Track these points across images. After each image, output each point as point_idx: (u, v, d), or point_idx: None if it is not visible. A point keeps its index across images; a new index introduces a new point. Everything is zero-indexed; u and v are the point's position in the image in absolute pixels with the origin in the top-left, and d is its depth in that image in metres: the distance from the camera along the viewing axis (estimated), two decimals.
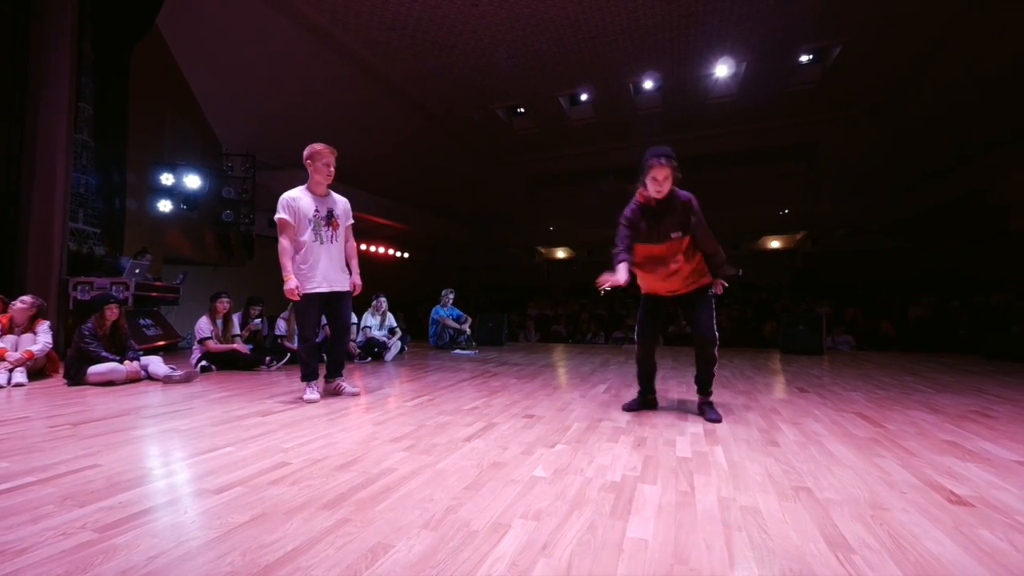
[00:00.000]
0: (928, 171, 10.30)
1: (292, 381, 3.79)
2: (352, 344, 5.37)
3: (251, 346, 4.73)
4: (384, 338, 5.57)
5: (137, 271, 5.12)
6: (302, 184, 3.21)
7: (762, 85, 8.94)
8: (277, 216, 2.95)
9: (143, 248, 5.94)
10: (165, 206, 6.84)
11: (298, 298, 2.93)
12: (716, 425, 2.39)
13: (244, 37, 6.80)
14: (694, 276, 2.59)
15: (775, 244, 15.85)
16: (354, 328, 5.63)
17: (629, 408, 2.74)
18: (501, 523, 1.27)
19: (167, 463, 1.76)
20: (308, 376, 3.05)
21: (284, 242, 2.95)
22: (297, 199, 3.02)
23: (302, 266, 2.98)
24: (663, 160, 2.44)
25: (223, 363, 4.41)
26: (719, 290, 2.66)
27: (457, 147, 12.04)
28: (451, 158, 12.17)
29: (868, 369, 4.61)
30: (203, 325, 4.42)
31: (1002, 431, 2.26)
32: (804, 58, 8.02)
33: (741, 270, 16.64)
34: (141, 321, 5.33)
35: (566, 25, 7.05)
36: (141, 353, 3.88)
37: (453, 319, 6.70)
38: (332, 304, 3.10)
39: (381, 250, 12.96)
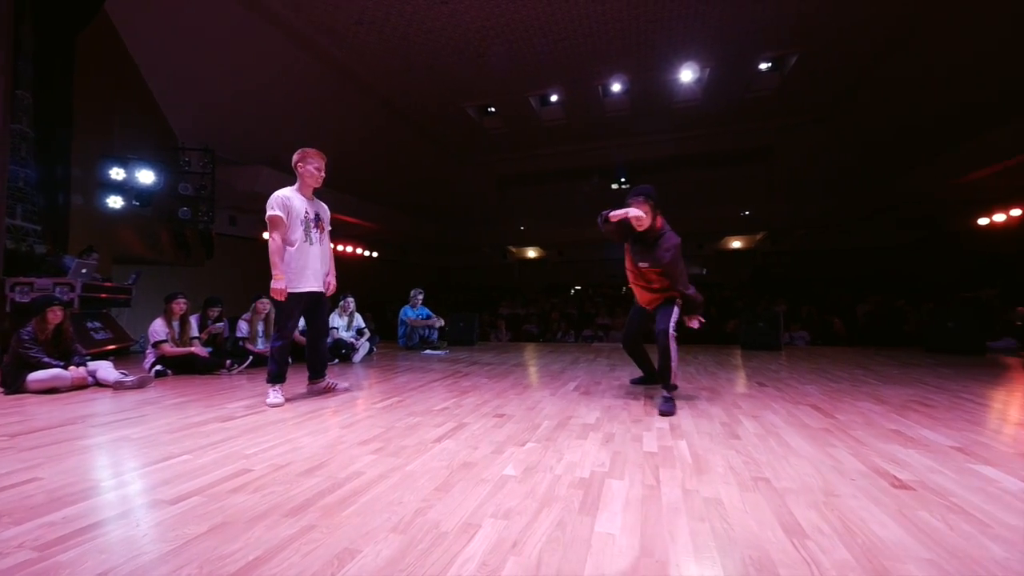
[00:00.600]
0: (875, 176, 10.93)
1: (255, 385, 3.66)
2: None
3: (210, 349, 4.54)
4: (352, 339, 5.45)
5: (84, 271, 4.82)
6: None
7: (724, 91, 9.25)
8: (271, 213, 2.95)
9: (89, 246, 5.59)
10: (115, 202, 6.47)
11: (284, 298, 2.96)
12: (682, 419, 2.46)
13: (202, 26, 6.50)
14: (663, 295, 3.00)
15: (737, 244, 16.45)
16: None
17: (637, 381, 3.48)
18: (471, 523, 1.27)
19: (117, 474, 1.67)
20: (277, 378, 3.02)
21: (277, 240, 2.96)
22: (290, 198, 3.04)
23: (292, 266, 3.01)
24: (640, 198, 2.81)
25: (180, 367, 4.21)
26: (695, 325, 2.99)
27: (427, 145, 11.92)
28: (421, 156, 12.04)
29: (821, 363, 4.85)
30: (158, 327, 4.20)
31: (940, 419, 2.43)
32: (763, 66, 8.34)
33: (705, 269, 17.19)
34: (89, 324, 5.02)
35: (536, 26, 7.08)
36: (88, 358, 3.66)
37: (423, 319, 6.63)
38: (313, 305, 3.17)
39: (349, 249, 12.68)
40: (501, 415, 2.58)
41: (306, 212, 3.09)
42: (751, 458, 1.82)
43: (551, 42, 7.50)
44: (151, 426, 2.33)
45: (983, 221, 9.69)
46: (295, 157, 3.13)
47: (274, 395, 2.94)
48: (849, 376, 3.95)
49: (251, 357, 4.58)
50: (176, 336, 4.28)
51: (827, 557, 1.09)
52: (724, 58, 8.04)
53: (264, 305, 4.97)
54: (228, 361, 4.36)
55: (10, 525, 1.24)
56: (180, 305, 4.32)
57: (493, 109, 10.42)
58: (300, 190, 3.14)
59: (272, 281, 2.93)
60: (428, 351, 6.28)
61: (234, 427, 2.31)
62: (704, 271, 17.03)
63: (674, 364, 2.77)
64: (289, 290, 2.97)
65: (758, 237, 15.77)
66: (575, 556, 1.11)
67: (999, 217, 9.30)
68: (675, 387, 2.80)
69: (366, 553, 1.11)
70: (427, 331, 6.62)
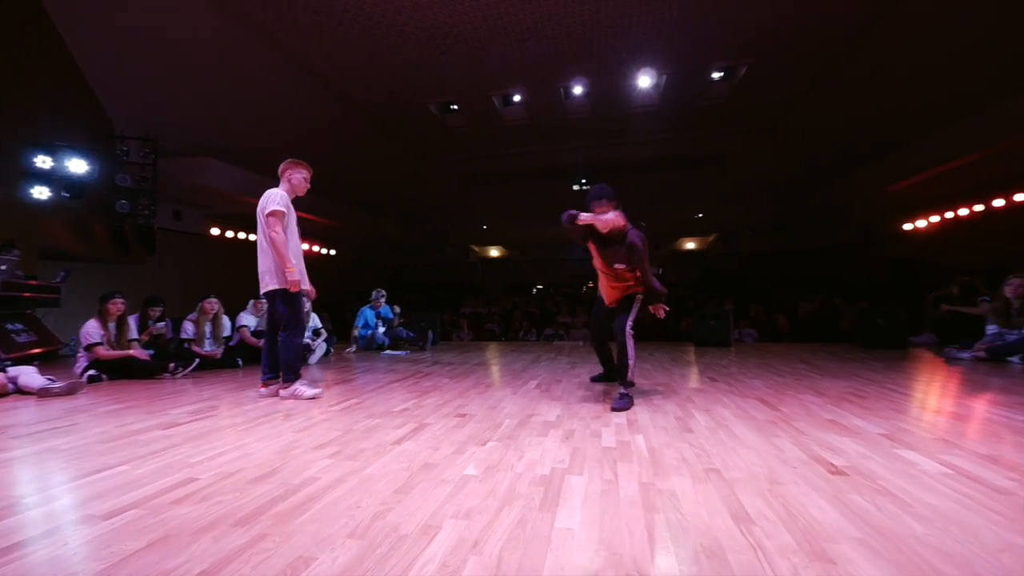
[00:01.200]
0: (816, 183, 11.68)
1: (201, 389, 3.47)
2: None
3: (151, 352, 4.27)
4: (308, 340, 5.26)
5: (3, 268, 4.40)
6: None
7: (680, 97, 9.59)
8: (278, 208, 3.09)
9: (8, 241, 5.10)
10: (41, 193, 5.93)
11: (299, 289, 3.13)
12: (638, 415, 2.53)
13: (142, 6, 6.07)
14: (624, 293, 3.17)
15: (690, 245, 17.14)
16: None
17: (597, 379, 3.58)
18: (431, 525, 1.26)
19: (42, 488, 1.54)
20: (296, 374, 3.15)
21: (283, 235, 3.09)
22: (287, 197, 3.23)
23: (294, 262, 3.15)
24: (603, 201, 2.96)
25: (117, 372, 3.93)
26: (661, 314, 3.20)
27: (388, 141, 11.65)
28: (381, 152, 11.76)
29: (768, 359, 5.13)
30: (91, 329, 3.90)
31: (871, 409, 2.63)
32: (716, 75, 8.70)
33: (661, 269, 17.78)
34: (9, 326, 4.59)
35: (498, 25, 7.08)
36: (9, 363, 3.35)
37: (386, 319, 6.50)
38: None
39: (305, 247, 12.23)
40: (462, 415, 2.57)
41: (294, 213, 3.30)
42: (703, 450, 1.90)
43: (513, 42, 7.52)
44: (82, 435, 2.16)
45: (908, 227, 10.55)
46: (283, 166, 3.30)
47: (307, 388, 3.10)
48: (792, 371, 4.20)
49: (198, 360, 4.33)
50: (112, 338, 3.99)
51: (771, 541, 1.16)
52: (679, 66, 8.33)
53: (212, 305, 4.72)
54: (172, 364, 4.11)
55: None
56: (117, 305, 4.03)
57: (456, 107, 10.33)
58: (288, 194, 3.29)
59: (287, 274, 3.07)
60: (388, 352, 6.16)
61: (178, 434, 2.18)
62: (660, 271, 17.62)
63: (631, 361, 2.88)
64: (303, 285, 3.17)
65: (710, 239, 16.49)
66: (535, 553, 1.12)
67: (921, 223, 10.16)
68: (632, 384, 2.90)
69: (322, 560, 1.08)
70: (401, 331, 6.51)
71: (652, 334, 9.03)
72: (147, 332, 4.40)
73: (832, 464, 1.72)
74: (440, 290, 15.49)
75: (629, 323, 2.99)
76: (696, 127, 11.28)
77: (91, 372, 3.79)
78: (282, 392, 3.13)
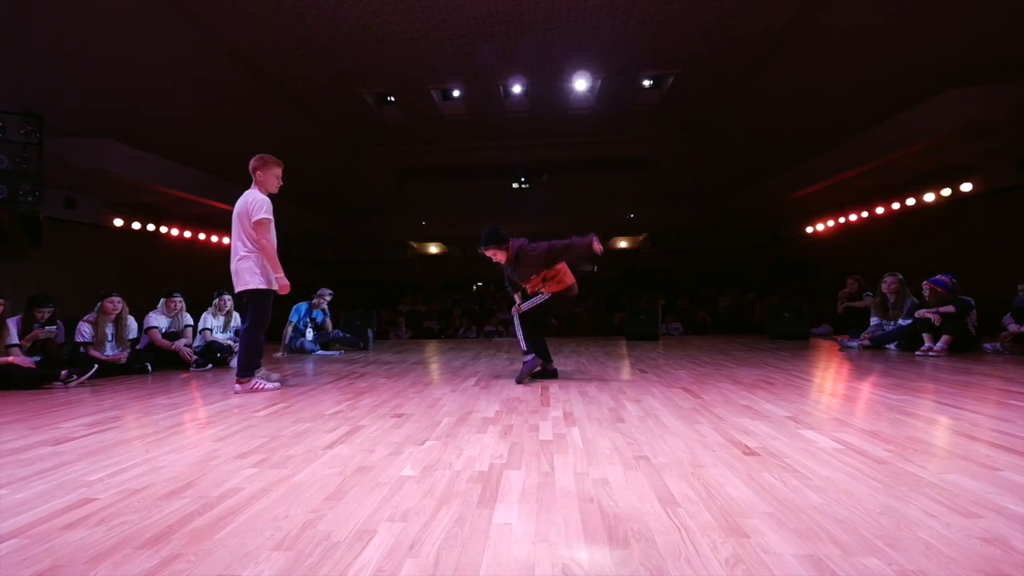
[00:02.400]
0: (733, 188, 12.68)
1: (103, 398, 3.12)
2: (186, 350, 4.61)
3: (37, 358, 3.75)
4: (229, 341, 4.89)
5: None
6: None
7: (614, 102, 9.98)
8: (263, 216, 3.24)
9: None
10: None
11: (287, 292, 3.33)
12: (575, 407, 2.62)
13: None
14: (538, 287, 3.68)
15: (623, 244, 17.95)
16: (190, 331, 4.84)
17: (537, 375, 3.61)
18: (366, 530, 1.22)
19: None
20: (257, 368, 3.34)
21: (272, 240, 3.29)
22: (269, 201, 3.35)
23: (266, 264, 3.30)
24: (492, 247, 3.58)
25: None
26: (594, 268, 3.74)
27: (317, 130, 11.05)
28: (309, 142, 11.13)
29: (691, 351, 5.50)
30: None
31: (778, 394, 2.90)
32: (646, 82, 9.16)
33: (596, 267, 18.43)
34: None
35: (437, 18, 6.96)
36: None
37: (316, 321, 6.16)
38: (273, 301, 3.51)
39: (226, 240, 11.31)
40: (400, 415, 2.51)
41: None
42: (633, 439, 2.00)
43: (454, 35, 7.43)
44: None
45: (809, 230, 11.76)
46: (254, 163, 3.35)
47: (263, 382, 3.30)
48: (713, 361, 4.54)
49: (96, 366, 3.87)
50: None
51: (693, 521, 1.25)
52: (614, 71, 8.67)
53: (114, 304, 4.24)
54: (63, 372, 3.63)
55: None
56: None
57: (392, 98, 10.02)
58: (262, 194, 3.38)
59: (277, 278, 3.30)
60: (321, 352, 5.87)
61: (71, 450, 1.94)
62: (595, 268, 18.28)
63: (519, 337, 3.55)
64: (265, 287, 3.30)
65: (641, 238, 17.36)
66: (473, 550, 1.12)
67: (820, 227, 11.37)
68: (527, 351, 3.46)
69: None
70: (337, 332, 6.19)
71: (587, 329, 9.36)
72: (31, 336, 3.86)
73: (746, 446, 1.88)
74: (377, 287, 15.00)
75: (517, 310, 3.61)
76: (629, 131, 11.80)
77: None
78: (237, 387, 3.23)
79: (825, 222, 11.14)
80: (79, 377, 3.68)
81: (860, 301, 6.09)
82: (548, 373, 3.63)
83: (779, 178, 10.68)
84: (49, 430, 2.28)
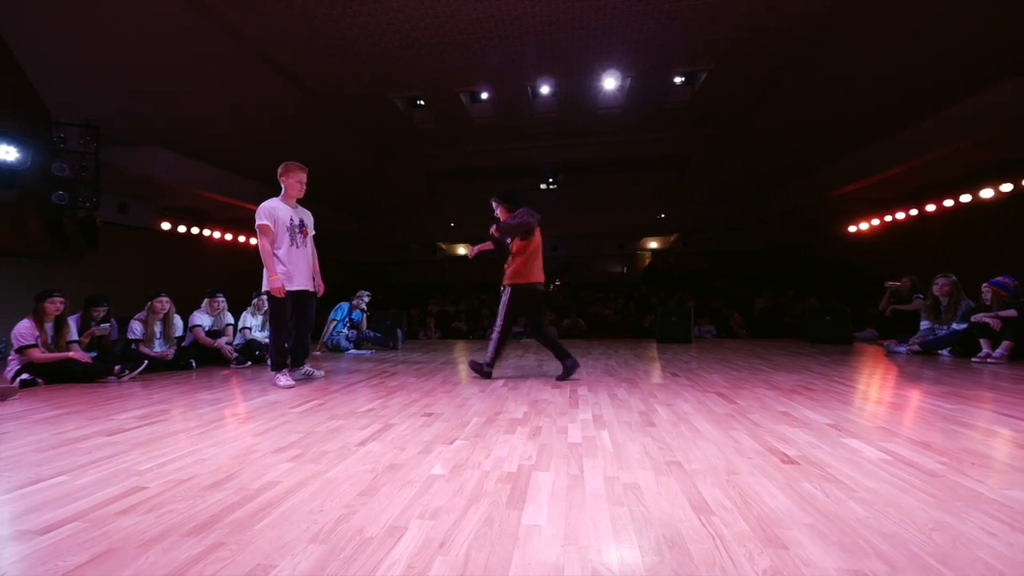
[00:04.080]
0: (769, 185, 12.25)
1: (152, 392, 3.29)
2: (227, 348, 4.82)
3: (94, 354, 4.00)
4: (267, 340, 5.07)
5: None
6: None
7: (644, 100, 9.82)
8: (260, 222, 3.41)
9: None
10: None
11: (283, 295, 3.39)
12: (603, 410, 2.58)
13: None
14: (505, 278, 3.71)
15: (654, 244, 17.61)
16: (230, 329, 5.05)
17: (561, 378, 3.61)
18: (397, 526, 1.24)
19: None
20: (279, 365, 3.47)
21: (266, 245, 3.41)
22: (276, 208, 3.50)
23: (280, 268, 3.43)
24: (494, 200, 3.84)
25: (54, 376, 3.66)
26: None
27: (351, 135, 11.36)
28: (344, 146, 11.45)
29: (725, 354, 5.34)
30: (24, 330, 3.62)
31: (819, 401, 2.78)
32: (678, 79, 8.96)
33: (625, 268, 18.17)
34: None
35: (466, 21, 7.02)
36: None
37: (355, 321, 6.34)
38: (302, 302, 3.59)
39: (245, 239, 11.76)
40: (429, 414, 2.54)
41: (291, 219, 3.52)
42: (665, 444, 1.96)
43: (482, 39, 7.48)
44: (15, 444, 2.01)
45: (852, 229, 11.23)
46: (280, 170, 3.56)
47: (284, 379, 3.41)
48: (748, 365, 4.39)
49: (147, 362, 4.09)
50: (49, 340, 3.71)
51: (729, 530, 1.21)
52: (644, 70, 8.53)
53: (163, 304, 4.47)
54: (117, 367, 3.86)
55: None
56: (55, 305, 3.75)
57: (422, 103, 10.18)
58: (284, 200, 3.56)
59: (268, 282, 3.38)
60: (353, 351, 6.02)
61: (124, 440, 2.06)
62: (624, 270, 18.01)
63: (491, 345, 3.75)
64: (286, 288, 3.40)
65: (672, 238, 16.99)
66: (502, 550, 1.12)
67: (864, 226, 10.84)
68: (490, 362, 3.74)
69: (282, 567, 1.04)
70: (368, 333, 6.36)
71: (616, 331, 9.23)
72: (89, 333, 4.12)
73: (785, 454, 1.81)
74: (406, 288, 15.25)
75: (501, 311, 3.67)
76: (660, 129, 11.59)
77: (24, 376, 3.52)
78: (281, 380, 3.45)
79: (869, 220, 10.62)
80: (131, 372, 3.90)
81: (909, 304, 5.77)
82: (484, 373, 3.78)
83: (820, 175, 10.24)
84: (104, 421, 2.42)
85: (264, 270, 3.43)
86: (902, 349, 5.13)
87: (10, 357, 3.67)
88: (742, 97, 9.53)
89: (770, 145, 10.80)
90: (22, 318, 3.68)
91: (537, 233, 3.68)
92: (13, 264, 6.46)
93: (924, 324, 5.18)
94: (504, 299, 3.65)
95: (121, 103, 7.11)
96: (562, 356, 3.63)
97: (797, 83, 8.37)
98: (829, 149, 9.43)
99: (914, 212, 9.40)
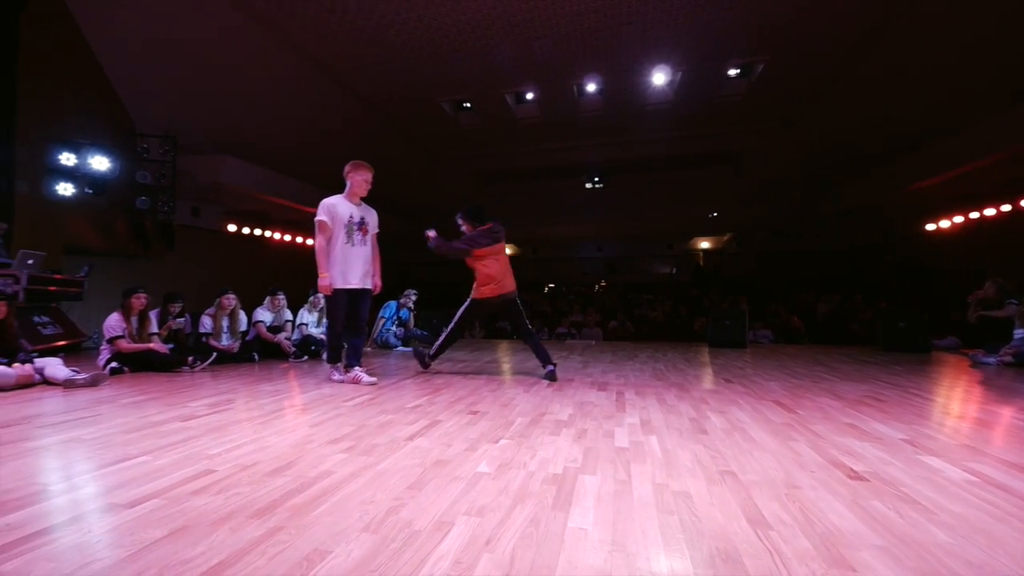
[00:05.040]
0: (834, 182, 11.45)
1: (220, 382, 3.54)
2: (286, 343, 5.10)
3: (171, 346, 4.36)
4: (322, 336, 5.32)
5: (30, 262, 4.53)
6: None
7: (696, 95, 9.46)
8: (318, 218, 3.43)
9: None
10: (66, 189, 6.10)
11: (331, 292, 3.42)
12: (652, 415, 2.51)
13: (163, 7, 6.19)
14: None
15: (705, 244, 16.94)
16: (289, 325, 5.35)
17: (547, 376, 3.73)
18: (444, 521, 1.26)
19: (68, 477, 1.58)
20: (335, 359, 3.58)
21: (321, 241, 3.43)
22: (335, 205, 3.49)
23: (336, 264, 3.44)
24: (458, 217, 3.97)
25: (138, 364, 4.02)
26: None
27: (400, 140, 11.72)
28: (392, 150, 11.83)
29: (783, 361, 5.05)
30: (113, 323, 4.00)
31: (891, 413, 2.57)
32: (732, 72, 8.57)
33: (675, 269, 17.60)
34: (36, 319, 4.73)
35: (512, 23, 7.06)
36: (35, 355, 3.45)
37: (403, 319, 6.55)
38: (355, 300, 3.56)
39: (310, 242, 12.36)
40: (475, 412, 2.57)
41: (351, 217, 3.51)
42: (718, 452, 1.88)
43: (527, 39, 7.49)
44: (106, 426, 2.22)
45: (930, 227, 10.28)
46: (347, 167, 3.59)
47: (337, 374, 3.52)
48: (809, 373, 4.13)
49: (215, 354, 4.41)
50: (134, 332, 4.08)
51: (789, 546, 1.14)
52: (695, 63, 8.23)
53: (229, 301, 4.80)
54: (190, 358, 4.18)
55: None
56: (140, 300, 4.12)
57: (468, 105, 10.34)
58: (347, 197, 3.56)
59: (319, 279, 3.40)
60: (401, 348, 6.20)
61: (197, 426, 2.22)
62: (673, 271, 17.44)
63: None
64: (334, 286, 3.42)
65: (725, 238, 16.28)
66: (548, 551, 1.11)
67: (944, 224, 9.89)
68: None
69: (336, 553, 1.09)
70: (416, 331, 6.55)
71: (665, 334, 8.96)
72: (166, 327, 4.49)
73: (852, 469, 1.69)
74: (450, 288, 15.54)
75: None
76: (712, 124, 11.14)
77: (113, 364, 3.89)
78: (335, 376, 3.56)
79: (951, 218, 9.68)
80: (202, 363, 4.22)
81: (1000, 310, 5.20)
82: (424, 364, 4.12)
83: (893, 169, 9.44)
84: (180, 408, 2.63)
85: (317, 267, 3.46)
86: (991, 360, 4.64)
87: (102, 347, 4.06)
88: (803, 88, 8.98)
89: (834, 138, 10.10)
90: (112, 312, 4.07)
91: (489, 252, 3.88)
92: (104, 263, 7.15)
93: (1018, 332, 4.67)
94: (464, 305, 4.00)
95: (194, 115, 7.72)
96: (544, 360, 3.82)
97: (869, 69, 7.76)
98: (904, 141, 8.69)
99: (1006, 208, 8.47)
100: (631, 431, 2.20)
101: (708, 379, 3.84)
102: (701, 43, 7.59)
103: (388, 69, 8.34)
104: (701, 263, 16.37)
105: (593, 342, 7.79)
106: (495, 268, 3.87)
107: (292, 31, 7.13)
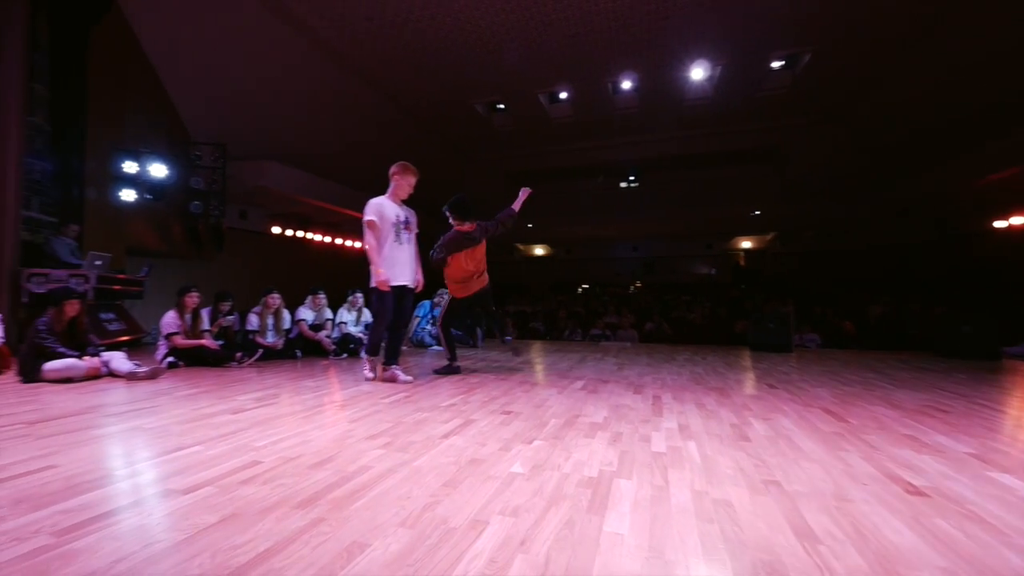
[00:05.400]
0: (888, 177, 10.77)
1: (265, 377, 3.70)
2: (327, 340, 5.27)
3: (221, 342, 4.59)
4: (360, 334, 5.48)
5: (98, 263, 4.89)
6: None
7: (736, 89, 9.15)
8: (368, 218, 3.49)
9: (66, 222, 5.42)
10: (128, 195, 6.54)
11: (388, 289, 3.46)
12: (690, 420, 2.44)
13: (215, 23, 6.55)
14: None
15: (747, 244, 16.32)
16: (330, 324, 5.52)
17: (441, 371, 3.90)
18: (479, 520, 1.27)
19: (131, 463, 1.69)
20: (375, 352, 3.64)
21: (372, 240, 3.48)
22: (383, 205, 3.57)
23: (385, 263, 3.49)
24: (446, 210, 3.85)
25: (191, 359, 4.26)
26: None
27: (434, 142, 11.92)
28: (428, 153, 12.03)
29: (833, 366, 4.80)
30: (170, 320, 4.25)
31: (955, 425, 2.39)
32: (776, 64, 8.23)
33: (714, 269, 17.06)
34: (102, 315, 5.10)
35: (546, 23, 7.05)
36: (102, 349, 3.71)
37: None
38: (402, 298, 3.62)
39: (358, 244, 12.76)
40: (508, 412, 2.58)
41: (397, 216, 3.58)
42: (761, 461, 1.80)
43: (563, 38, 7.46)
44: (163, 416, 2.36)
45: (999, 224, 9.50)
46: (393, 169, 3.65)
47: (369, 371, 3.63)
48: (861, 380, 3.90)
49: (261, 351, 4.62)
50: (188, 328, 4.32)
51: (840, 563, 1.08)
52: (736, 56, 7.95)
53: (274, 300, 5.01)
54: (238, 354, 4.40)
55: (29, 511, 1.27)
56: (193, 299, 4.36)
57: (502, 106, 10.39)
58: (391, 197, 3.63)
59: (373, 277, 3.45)
60: (437, 347, 6.29)
61: (244, 419, 2.33)
62: (713, 271, 16.91)
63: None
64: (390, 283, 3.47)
65: (768, 237, 15.63)
66: (584, 555, 1.10)
67: (1016, 220, 9.11)
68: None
69: (375, 547, 1.12)
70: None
71: (703, 336, 8.69)
72: (217, 324, 4.74)
73: (910, 483, 1.58)
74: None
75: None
76: (753, 119, 10.75)
77: (170, 359, 4.14)
78: (368, 373, 3.62)
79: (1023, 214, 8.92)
80: (249, 359, 4.44)
81: None
82: (453, 370, 3.97)
83: (958, 161, 8.75)
84: (229, 401, 2.77)
85: (370, 266, 3.48)
86: None
87: (159, 342, 4.34)
88: (853, 77, 8.51)
89: (887, 132, 9.52)
90: (169, 310, 4.34)
91: (460, 252, 3.89)
92: (161, 264, 7.63)
93: None
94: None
95: (242, 123, 8.12)
96: (452, 357, 4.02)
97: (927, 55, 7.27)
98: (971, 130, 8.04)
99: None
100: (668, 436, 2.14)
101: (750, 384, 3.70)
102: (742, 35, 7.34)
103: (423, 73, 8.51)
104: (742, 263, 15.81)
105: (628, 344, 7.66)
106: (460, 273, 3.93)
107: (332, 40, 7.38)
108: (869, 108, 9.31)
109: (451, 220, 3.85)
